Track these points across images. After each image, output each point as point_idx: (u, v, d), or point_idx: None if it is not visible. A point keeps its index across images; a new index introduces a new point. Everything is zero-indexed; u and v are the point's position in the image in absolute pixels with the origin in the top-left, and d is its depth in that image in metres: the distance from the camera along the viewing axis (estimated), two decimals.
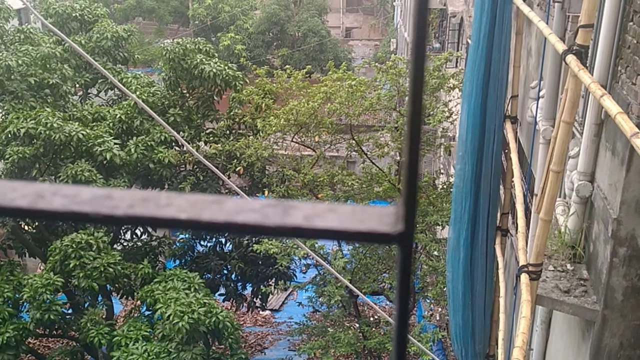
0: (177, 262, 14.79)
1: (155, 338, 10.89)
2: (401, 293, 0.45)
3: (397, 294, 0.46)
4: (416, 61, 0.45)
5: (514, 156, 7.18)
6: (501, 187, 8.29)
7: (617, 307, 5.11)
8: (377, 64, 15.12)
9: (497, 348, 7.09)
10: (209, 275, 14.46)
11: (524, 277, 5.10)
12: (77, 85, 14.93)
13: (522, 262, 5.41)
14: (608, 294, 5.10)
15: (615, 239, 4.92)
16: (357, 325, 14.25)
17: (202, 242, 15.48)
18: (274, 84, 15.37)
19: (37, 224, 13.09)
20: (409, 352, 14.52)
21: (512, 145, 7.36)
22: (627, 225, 4.88)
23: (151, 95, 13.53)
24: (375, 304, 9.07)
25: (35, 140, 11.61)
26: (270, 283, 14.98)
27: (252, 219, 0.45)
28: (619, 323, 5.16)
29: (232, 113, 14.89)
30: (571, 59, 4.58)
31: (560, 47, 4.93)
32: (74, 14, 15.30)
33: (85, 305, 12.24)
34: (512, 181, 7.33)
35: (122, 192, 0.47)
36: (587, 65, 5.23)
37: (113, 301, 13.52)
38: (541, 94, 7.09)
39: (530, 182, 7.81)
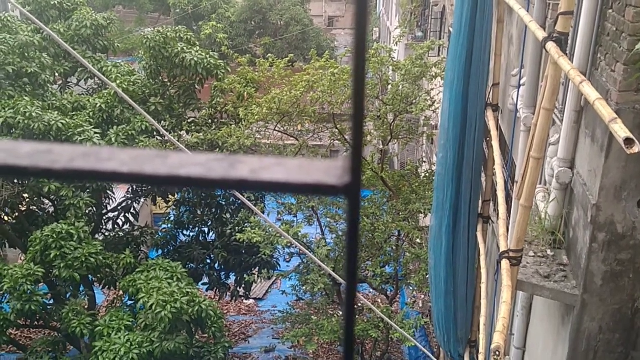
0: (160, 251, 14.74)
1: (138, 328, 10.85)
2: (350, 244, 0.44)
3: (346, 245, 0.45)
4: (358, 33, 0.44)
5: (495, 144, 7.21)
6: (483, 174, 8.33)
7: (597, 291, 5.17)
8: None
9: (479, 333, 7.15)
10: (192, 265, 14.42)
11: (505, 263, 5.14)
12: (57, 74, 14.74)
13: (503, 248, 5.44)
14: (587, 279, 5.15)
15: (595, 224, 4.96)
16: (341, 312, 14.31)
17: (184, 232, 15.43)
18: (257, 73, 15.31)
19: (17, 214, 12.93)
20: (392, 339, 14.61)
21: (494, 133, 7.38)
22: (606, 211, 4.92)
23: (132, 84, 13.40)
24: (358, 291, 9.08)
25: (13, 130, 11.46)
26: (254, 272, 14.98)
27: (196, 172, 0.44)
28: (598, 307, 5.21)
29: (214, 102, 14.81)
30: (551, 46, 4.59)
31: (541, 34, 4.94)
32: (52, 2, 15.08)
33: (67, 296, 12.16)
34: (494, 168, 7.36)
35: (64, 147, 0.46)
36: (567, 52, 5.25)
37: (95, 291, 13.45)
38: (522, 81, 7.11)
39: (511, 169, 7.85)
